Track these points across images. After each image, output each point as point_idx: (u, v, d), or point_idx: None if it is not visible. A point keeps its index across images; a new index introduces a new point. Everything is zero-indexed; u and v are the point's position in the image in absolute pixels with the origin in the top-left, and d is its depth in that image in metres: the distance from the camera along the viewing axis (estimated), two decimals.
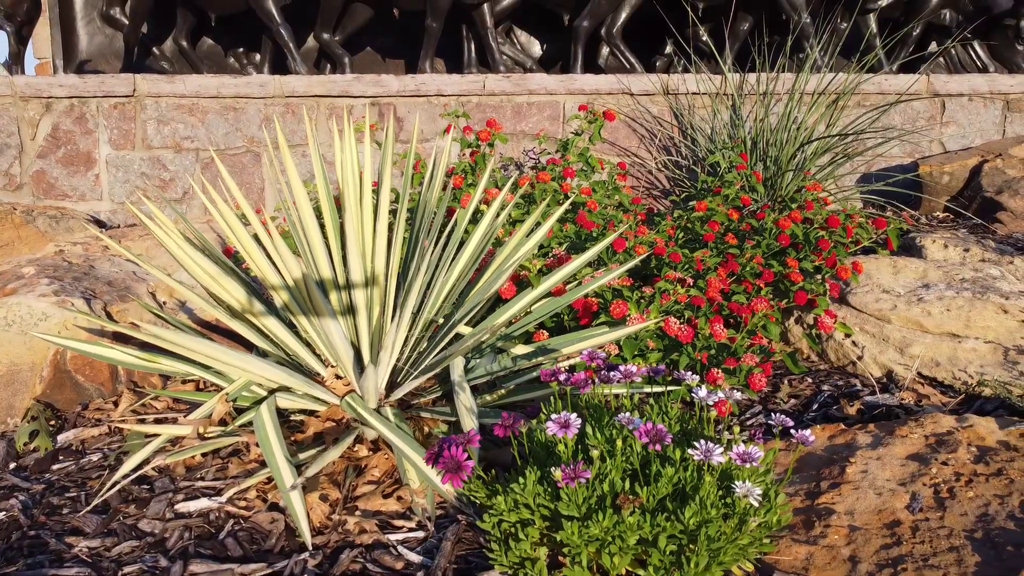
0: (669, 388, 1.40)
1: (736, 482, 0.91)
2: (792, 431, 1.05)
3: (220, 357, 1.38)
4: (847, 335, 1.93)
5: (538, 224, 1.93)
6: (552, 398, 1.16)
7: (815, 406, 1.72)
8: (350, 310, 1.48)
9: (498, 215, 1.78)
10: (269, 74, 5.71)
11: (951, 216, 3.67)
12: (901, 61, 5.68)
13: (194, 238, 1.73)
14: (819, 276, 2.05)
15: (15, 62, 4.10)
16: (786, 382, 1.84)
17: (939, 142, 4.19)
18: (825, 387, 1.80)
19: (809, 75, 3.88)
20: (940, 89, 4.09)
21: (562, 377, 1.09)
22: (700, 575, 0.88)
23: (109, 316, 1.83)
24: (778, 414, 1.14)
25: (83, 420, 1.63)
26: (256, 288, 1.64)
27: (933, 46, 5.66)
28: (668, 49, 5.97)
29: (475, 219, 2.09)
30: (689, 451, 0.92)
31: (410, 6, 5.46)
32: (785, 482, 1.31)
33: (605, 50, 5.73)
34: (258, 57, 6.14)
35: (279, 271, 1.47)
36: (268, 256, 1.49)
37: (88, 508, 1.26)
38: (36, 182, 3.71)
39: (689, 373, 1.15)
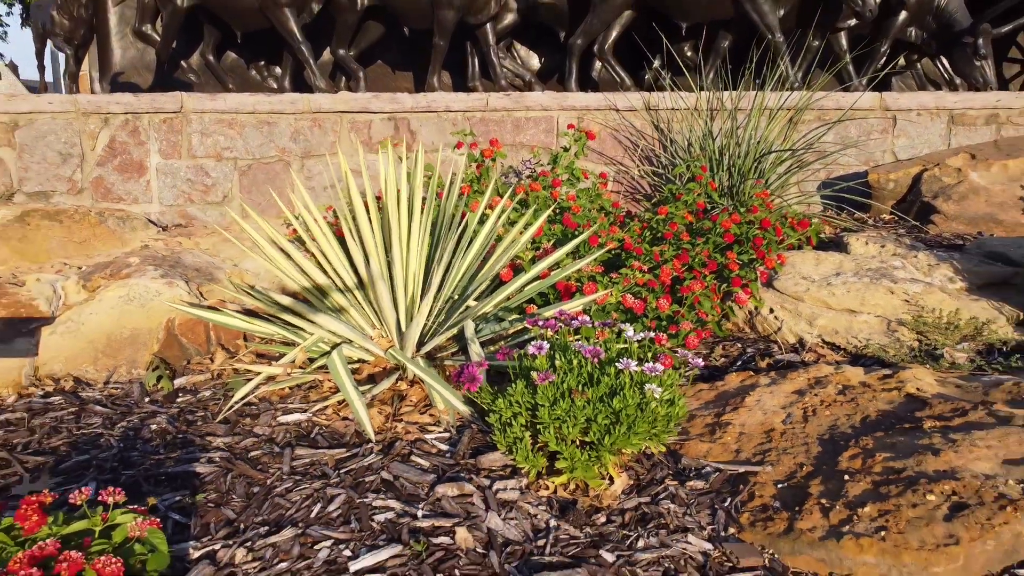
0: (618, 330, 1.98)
1: (647, 384, 1.48)
2: (690, 359, 1.63)
3: (310, 317, 1.97)
4: (771, 310, 2.52)
5: (528, 224, 2.51)
6: (533, 331, 1.74)
7: (739, 362, 2.31)
8: (392, 287, 2.06)
9: (499, 217, 2.36)
10: (290, 86, 6.31)
11: (895, 218, 4.25)
12: (869, 75, 6.28)
13: (269, 238, 2.31)
14: (753, 266, 2.63)
15: (72, 81, 4.69)
16: (721, 346, 2.42)
17: (892, 152, 4.77)
18: (750, 349, 2.39)
19: (770, 93, 4.45)
20: (891, 105, 4.67)
21: (540, 322, 1.67)
22: (621, 439, 1.45)
23: (201, 295, 2.41)
24: (695, 371, 1.72)
25: (190, 370, 2.22)
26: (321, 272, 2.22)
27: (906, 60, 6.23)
28: (656, 63, 6.55)
29: (482, 220, 2.67)
30: (617, 364, 1.50)
31: (419, 25, 6.05)
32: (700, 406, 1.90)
33: (598, 64, 6.33)
34: (278, 69, 6.76)
35: (341, 262, 2.06)
36: (343, 246, 2.07)
37: (217, 420, 1.85)
38: (95, 187, 4.30)
39: (628, 325, 1.72)
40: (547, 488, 1.53)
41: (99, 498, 1.23)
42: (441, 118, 4.45)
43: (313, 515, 1.44)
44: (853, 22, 5.80)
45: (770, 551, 1.40)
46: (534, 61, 6.92)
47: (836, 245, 3.15)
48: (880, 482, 1.51)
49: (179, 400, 2.03)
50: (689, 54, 6.57)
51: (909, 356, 2.25)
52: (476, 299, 2.25)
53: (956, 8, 6.20)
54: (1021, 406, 1.80)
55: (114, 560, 1.10)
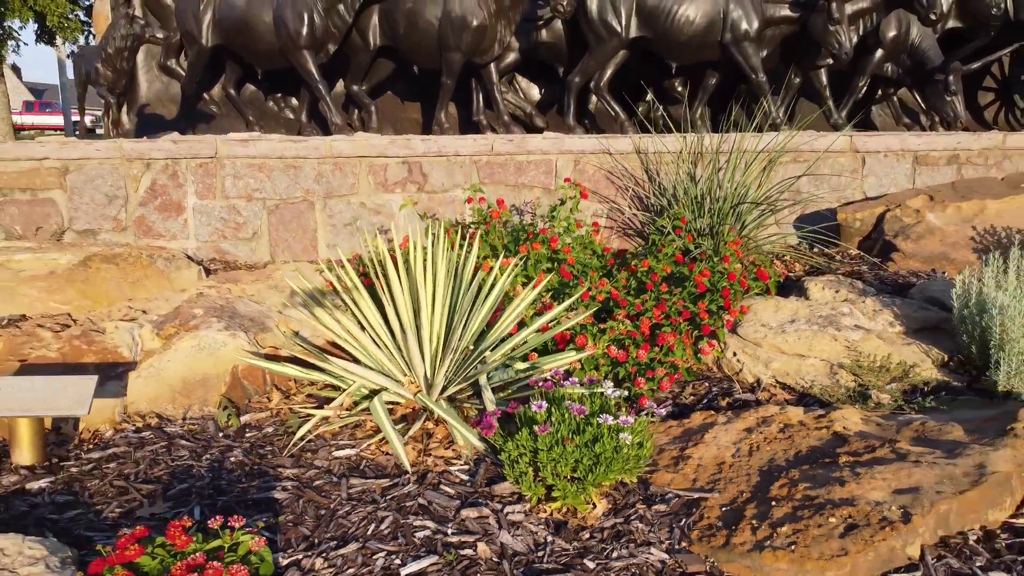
0: (600, 390, 2.48)
1: (621, 433, 1.97)
2: (655, 410, 2.12)
3: (354, 371, 2.46)
4: (734, 353, 3.01)
5: (530, 285, 3.00)
6: (535, 391, 2.24)
7: (705, 399, 2.80)
8: (419, 343, 2.56)
9: (507, 279, 2.85)
10: (307, 119, 6.80)
11: (860, 254, 4.74)
12: (847, 108, 6.79)
13: (308, 292, 2.80)
14: (720, 314, 3.13)
15: (115, 127, 5.18)
16: (692, 385, 2.92)
17: (861, 190, 5.27)
18: (715, 388, 2.88)
19: (749, 137, 4.94)
20: (860, 147, 5.17)
21: (541, 384, 2.16)
22: (601, 475, 1.94)
23: (257, 343, 2.91)
24: (670, 405, 2.21)
25: (252, 408, 2.72)
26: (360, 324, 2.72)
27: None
28: (649, 96, 7.05)
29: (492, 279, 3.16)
30: (598, 419, 1.99)
31: (428, 65, 6.55)
32: (667, 442, 2.39)
33: (594, 99, 6.82)
34: (294, 100, 7.26)
35: (377, 320, 2.55)
36: (373, 296, 2.57)
37: (284, 454, 2.35)
38: (137, 225, 4.80)
39: (609, 383, 2.21)
40: (545, 511, 2.03)
41: (209, 524, 1.72)
42: (450, 161, 4.94)
43: (369, 532, 1.94)
44: (831, 61, 6.27)
45: (711, 560, 1.90)
46: (535, 92, 7.42)
47: (798, 289, 3.64)
48: (798, 507, 2.01)
49: (247, 435, 2.52)
50: (680, 89, 7.08)
51: (845, 396, 2.74)
52: (488, 348, 2.75)
53: (929, 47, 6.71)
54: (919, 444, 2.29)
55: (241, 567, 1.59)
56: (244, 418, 2.64)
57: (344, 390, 2.55)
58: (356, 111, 6.98)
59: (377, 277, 3.02)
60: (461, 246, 3.51)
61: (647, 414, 2.21)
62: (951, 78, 6.57)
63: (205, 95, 7.15)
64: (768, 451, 2.33)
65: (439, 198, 4.95)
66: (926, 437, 2.36)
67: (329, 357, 2.77)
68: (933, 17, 5.93)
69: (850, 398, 2.73)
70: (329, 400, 2.58)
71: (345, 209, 4.89)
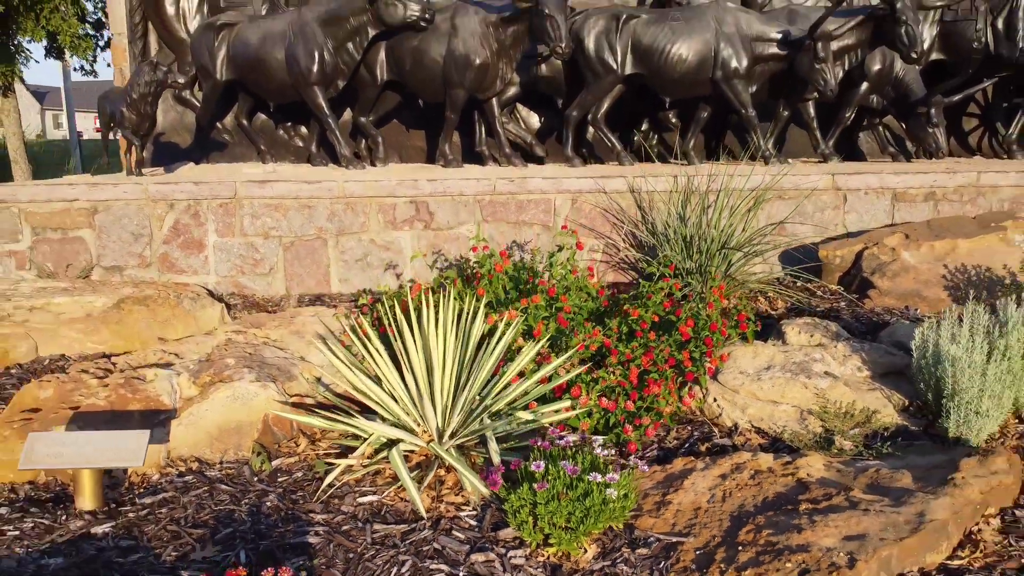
0: (593, 440, 2.81)
1: (608, 488, 2.30)
2: (639, 466, 2.45)
3: (374, 427, 2.79)
4: (714, 399, 3.34)
5: (525, 328, 3.33)
6: (534, 450, 2.57)
7: (688, 443, 3.14)
8: (432, 398, 2.89)
9: (509, 334, 3.18)
10: (316, 149, 7.12)
11: (840, 290, 5.07)
12: (834, 138, 7.12)
13: (336, 352, 3.13)
14: (703, 361, 3.46)
15: (139, 167, 5.51)
16: (676, 429, 3.25)
17: (843, 225, 5.60)
18: (696, 433, 3.22)
19: (737, 178, 5.27)
20: (842, 185, 5.50)
21: (539, 442, 2.50)
22: (591, 524, 2.28)
23: (285, 391, 3.24)
24: (655, 449, 2.54)
25: (281, 453, 3.05)
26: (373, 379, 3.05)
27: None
28: (644, 126, 7.39)
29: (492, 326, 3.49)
30: (588, 476, 2.32)
31: (433, 100, 6.89)
32: (650, 488, 2.73)
33: (591, 130, 7.15)
34: (303, 128, 7.59)
35: (395, 377, 2.88)
36: (386, 344, 2.90)
37: (314, 500, 2.68)
38: (161, 262, 5.13)
39: (600, 439, 2.54)
40: (543, 555, 2.36)
41: (263, 574, 2.05)
42: (455, 200, 5.27)
43: (392, 574, 2.27)
44: (817, 95, 6.58)
45: None
46: (534, 120, 7.75)
47: (777, 332, 3.97)
48: (760, 552, 2.34)
49: (279, 480, 2.86)
50: (674, 120, 7.42)
51: (812, 442, 3.08)
52: (493, 398, 3.08)
53: (912, 80, 7.04)
54: (871, 491, 2.63)
55: None
56: (275, 462, 2.97)
57: (365, 439, 2.88)
58: (364, 140, 7.32)
59: (390, 325, 3.36)
60: (469, 290, 3.84)
61: (631, 467, 2.54)
62: (933, 111, 6.89)
63: (219, 124, 7.50)
64: (739, 497, 2.67)
65: (444, 235, 5.28)
66: (879, 484, 2.69)
67: (350, 409, 3.10)
68: (914, 56, 6.26)
69: (816, 444, 3.07)
70: (351, 449, 2.92)
71: (356, 246, 5.22)
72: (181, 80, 5.38)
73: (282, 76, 6.59)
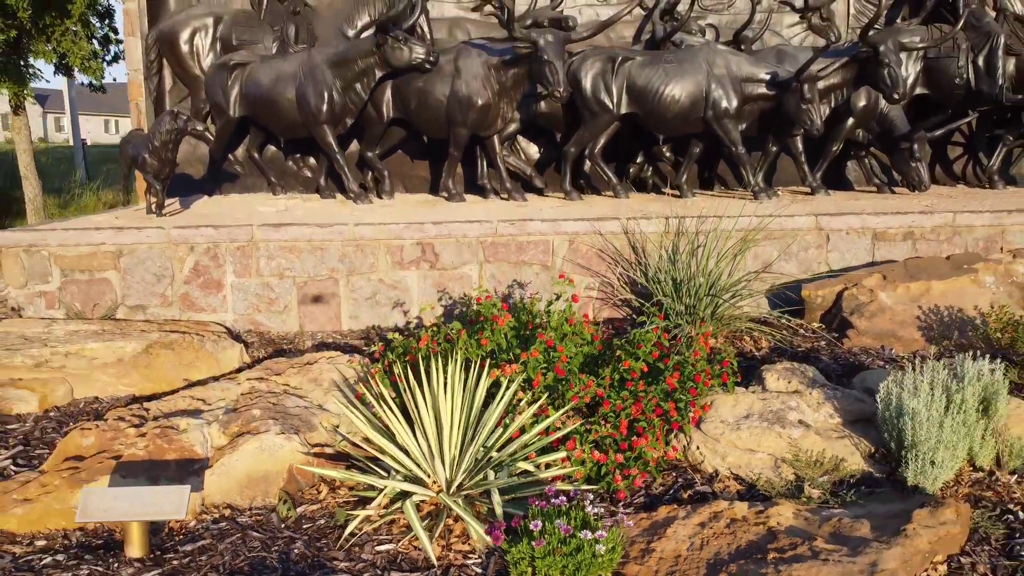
0: (585, 496, 3.15)
1: (598, 544, 2.65)
2: (624, 521, 2.79)
3: (387, 483, 3.13)
4: (697, 447, 3.68)
5: (525, 379, 3.66)
6: (532, 508, 2.91)
7: (672, 489, 3.48)
8: (441, 454, 3.23)
9: (511, 392, 3.52)
10: (324, 183, 7.45)
11: (821, 327, 5.41)
12: (821, 171, 7.46)
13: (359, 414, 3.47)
14: (687, 411, 3.80)
15: (159, 209, 5.84)
16: (662, 476, 3.59)
17: (826, 263, 5.93)
18: (680, 480, 3.56)
19: (725, 220, 5.60)
20: (824, 225, 5.83)
21: (536, 503, 2.84)
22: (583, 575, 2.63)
23: (307, 441, 3.58)
24: (643, 496, 2.88)
25: (304, 500, 3.39)
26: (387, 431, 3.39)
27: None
28: (640, 159, 7.73)
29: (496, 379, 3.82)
30: (580, 534, 2.66)
31: (437, 136, 7.23)
32: (637, 536, 3.07)
33: (588, 163, 7.48)
34: (312, 159, 7.92)
35: (408, 435, 3.22)
36: (397, 393, 3.24)
37: (337, 548, 3.02)
38: (182, 301, 5.47)
39: (589, 495, 2.88)
40: None
41: None
42: (459, 242, 5.61)
43: None
44: (804, 131, 6.90)
45: None
46: (533, 150, 8.11)
47: (758, 378, 4.30)
48: None
49: (304, 527, 3.20)
50: (667, 154, 7.76)
51: (784, 490, 3.42)
52: (495, 449, 3.42)
53: (896, 116, 7.39)
54: (833, 540, 2.97)
55: None
56: (299, 509, 3.31)
57: (380, 489, 3.22)
58: (370, 173, 7.66)
59: (400, 376, 3.70)
60: (473, 342, 4.18)
61: (619, 520, 2.89)
62: (915, 146, 7.25)
63: (230, 156, 7.83)
64: (715, 545, 3.01)
65: (449, 274, 5.62)
66: (840, 533, 3.03)
67: (366, 458, 3.44)
68: (896, 96, 6.60)
69: (788, 492, 3.41)
70: (369, 499, 3.26)
71: (366, 285, 5.56)
72: (200, 128, 5.71)
73: (293, 114, 6.94)
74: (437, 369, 3.38)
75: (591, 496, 2.88)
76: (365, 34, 7.64)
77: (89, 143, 26.63)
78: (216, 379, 4.64)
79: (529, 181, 7.69)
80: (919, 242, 5.95)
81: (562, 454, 3.41)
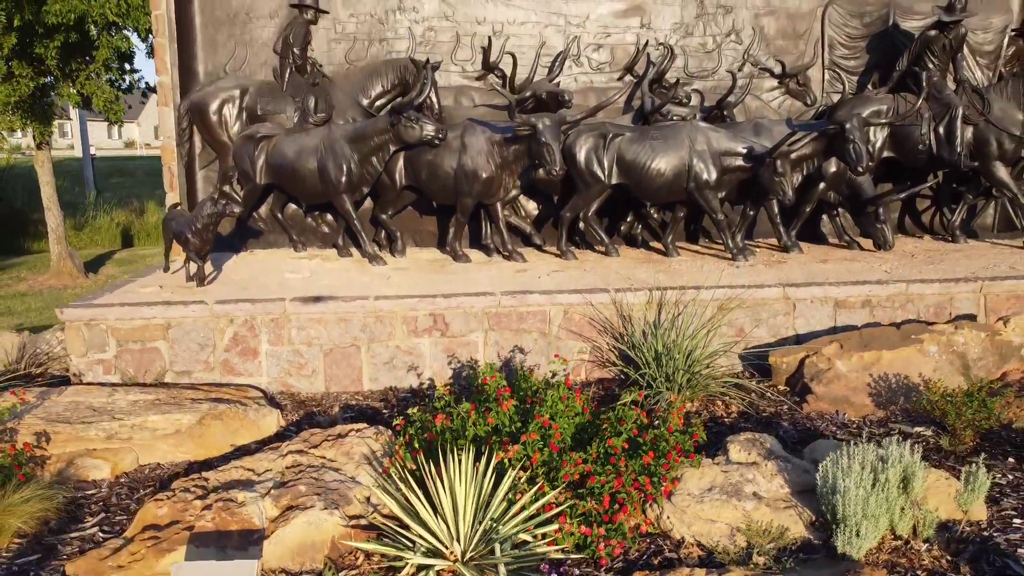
0: (574, 559, 3.95)
1: None
2: None
3: (411, 557, 3.93)
4: (668, 516, 4.48)
5: (525, 457, 4.46)
6: None
7: (646, 556, 4.28)
8: (456, 531, 4.03)
9: (514, 473, 4.32)
10: (342, 243, 8.22)
11: (787, 390, 6.21)
12: (796, 230, 8.24)
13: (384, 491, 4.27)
14: (660, 485, 4.59)
15: (200, 281, 6.63)
16: (638, 542, 4.39)
17: (793, 328, 6.72)
18: (652, 546, 4.36)
19: (704, 292, 6.40)
20: (791, 296, 6.62)
21: None
22: None
23: (345, 514, 4.37)
24: (621, 562, 3.68)
25: (345, 566, 4.19)
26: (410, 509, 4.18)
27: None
28: (630, 218, 8.53)
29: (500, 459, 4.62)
30: None
31: (444, 202, 8.02)
32: None
33: (582, 223, 8.28)
34: (329, 217, 8.71)
35: (429, 513, 4.02)
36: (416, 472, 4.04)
37: None
38: (222, 366, 6.27)
39: (576, 571, 3.66)
40: None
41: None
42: (467, 312, 6.40)
43: None
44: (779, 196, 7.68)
45: None
46: (531, 205, 8.89)
47: (723, 449, 5.09)
48: None
49: None
50: (655, 215, 8.54)
51: (737, 557, 4.22)
52: (503, 524, 4.22)
53: (864, 181, 8.18)
54: None
55: None
56: (341, 574, 4.11)
57: (408, 559, 4.02)
58: (383, 232, 8.45)
59: (419, 449, 4.49)
60: (480, 419, 4.96)
61: None
62: (880, 209, 8.04)
63: (255, 214, 8.62)
64: None
65: (457, 341, 6.41)
66: None
67: (395, 532, 4.24)
68: (860, 170, 7.40)
69: (740, 559, 4.21)
70: (398, 569, 4.06)
71: (384, 351, 6.36)
72: (237, 210, 6.49)
73: (314, 184, 7.72)
74: (453, 461, 4.18)
75: (577, 572, 3.68)
76: (378, 103, 8.44)
77: (95, 152, 27.37)
78: (258, 443, 5.46)
79: (529, 238, 8.49)
80: (876, 309, 6.75)
81: (555, 526, 4.21)
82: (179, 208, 7.09)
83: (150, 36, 12.75)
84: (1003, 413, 5.54)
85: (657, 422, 5.21)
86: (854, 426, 5.65)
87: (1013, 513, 4.49)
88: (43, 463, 4.99)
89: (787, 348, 6.42)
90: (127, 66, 13.07)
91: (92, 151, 23.81)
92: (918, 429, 5.51)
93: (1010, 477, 4.86)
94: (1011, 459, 5.07)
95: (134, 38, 12.24)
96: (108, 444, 5.17)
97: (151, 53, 13.88)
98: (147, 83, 14.94)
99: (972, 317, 6.80)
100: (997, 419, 5.42)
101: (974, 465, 4.38)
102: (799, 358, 6.28)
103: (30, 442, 5.00)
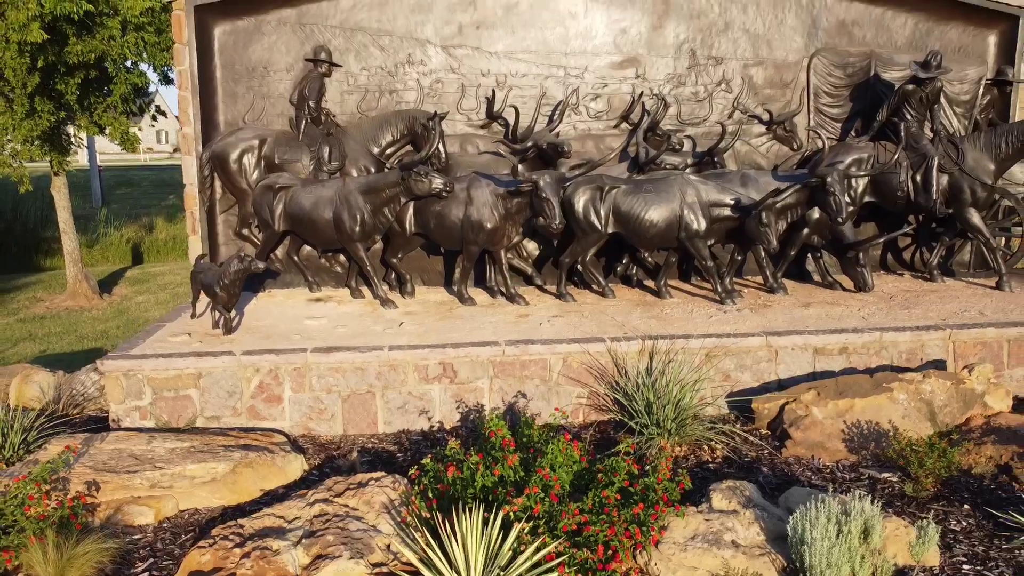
0: None
1: None
2: None
3: None
4: (655, 564, 5.07)
5: (527, 508, 5.05)
6: None
7: None
8: None
9: (518, 532, 4.91)
10: (355, 284, 8.80)
11: (769, 432, 6.79)
12: (782, 271, 8.82)
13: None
14: (648, 534, 5.18)
15: (227, 331, 7.21)
16: None
17: (775, 374, 7.31)
18: None
19: (693, 341, 6.98)
20: (774, 344, 7.21)
21: None
22: None
23: (370, 563, 4.96)
24: None
25: None
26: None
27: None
28: (625, 260, 9.11)
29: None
30: None
31: (451, 248, 8.59)
32: None
33: (580, 267, 8.85)
34: (342, 258, 9.28)
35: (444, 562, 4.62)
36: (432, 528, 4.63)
37: None
38: (249, 412, 6.86)
39: None
40: None
41: None
42: (473, 361, 6.99)
43: None
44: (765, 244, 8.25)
45: None
46: (532, 245, 9.46)
47: (707, 497, 5.67)
48: None
49: None
50: (649, 259, 9.12)
51: None
52: (510, 574, 4.80)
53: (846, 226, 8.75)
54: None
55: None
56: None
57: None
58: (393, 274, 9.03)
59: (435, 497, 5.07)
60: (488, 472, 5.54)
61: None
62: (860, 254, 8.63)
63: (272, 255, 9.20)
64: None
65: (465, 387, 7.00)
66: None
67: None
68: (839, 221, 7.98)
69: None
70: None
71: (397, 397, 6.94)
72: (262, 266, 7.06)
73: (329, 232, 8.30)
74: (464, 516, 4.76)
75: None
76: (389, 151, 9.02)
77: (100, 162, 27.93)
78: (285, 487, 6.04)
79: (530, 279, 9.07)
80: (852, 355, 7.33)
81: (556, 575, 4.80)
82: (206, 260, 7.66)
83: (165, 69, 13.33)
84: (962, 460, 6.14)
85: (648, 468, 5.80)
86: (828, 471, 6.24)
87: (964, 560, 5.07)
88: (93, 510, 5.57)
89: (769, 395, 7.01)
90: (145, 99, 13.64)
91: (101, 169, 24.45)
92: (885, 475, 6.09)
93: (964, 524, 5.44)
94: (966, 505, 5.66)
95: (150, 72, 12.79)
96: (151, 492, 5.75)
97: (165, 80, 14.46)
98: (157, 107, 15.53)
99: (942, 362, 7.39)
100: (956, 467, 6.02)
101: (925, 521, 4.97)
102: (779, 404, 6.86)
103: (82, 491, 5.58)
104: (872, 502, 5.09)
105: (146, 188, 27.35)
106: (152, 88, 14.17)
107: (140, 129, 16.76)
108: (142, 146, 55.48)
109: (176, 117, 9.52)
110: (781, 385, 7.24)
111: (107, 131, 13.11)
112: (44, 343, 12.45)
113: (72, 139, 13.46)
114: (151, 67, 12.72)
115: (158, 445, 6.26)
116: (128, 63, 12.28)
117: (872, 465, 6.27)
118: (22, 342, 12.49)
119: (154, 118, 16.14)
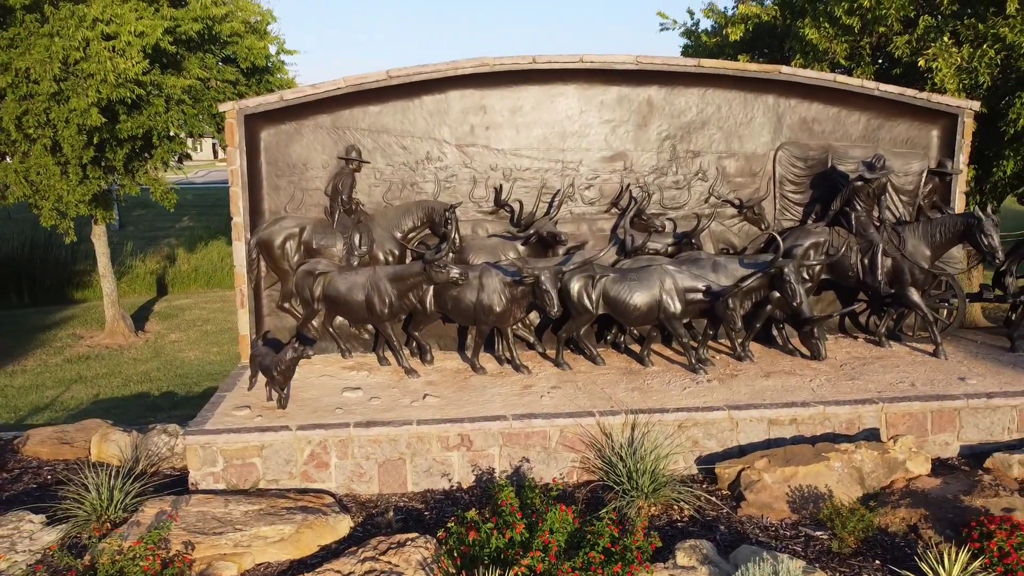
0: None
1: None
2: None
3: None
4: None
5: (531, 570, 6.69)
6: None
7: None
8: None
9: None
10: (381, 352, 10.41)
11: (728, 493, 8.43)
12: (749, 341, 10.45)
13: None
14: None
15: (281, 405, 8.84)
16: None
17: (736, 441, 8.94)
18: None
19: (669, 415, 8.61)
20: (735, 416, 8.84)
21: None
22: None
23: None
24: None
25: None
26: None
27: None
28: (615, 330, 10.74)
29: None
30: None
31: (465, 324, 10.19)
32: None
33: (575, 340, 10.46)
34: (369, 327, 10.89)
35: None
36: None
37: None
38: (302, 476, 8.50)
39: None
40: None
41: None
42: (486, 432, 8.61)
43: None
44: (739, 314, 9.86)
45: None
46: (533, 315, 11.07)
47: (671, 553, 7.29)
48: None
49: None
50: (636, 331, 10.74)
51: None
52: None
53: (804, 304, 10.34)
54: None
55: None
56: None
57: None
58: (414, 342, 10.66)
59: (460, 563, 6.71)
60: (500, 535, 7.17)
61: None
62: (815, 328, 10.25)
63: (309, 325, 10.81)
64: None
65: (479, 454, 8.63)
66: None
67: None
68: (795, 304, 9.59)
69: None
70: None
71: (423, 462, 8.58)
72: (311, 354, 8.66)
73: (362, 312, 9.91)
74: None
75: None
76: (410, 236, 10.62)
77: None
78: (337, 543, 7.67)
79: (533, 346, 10.70)
80: (801, 425, 8.96)
81: None
82: (262, 345, 9.27)
83: (202, 137, 14.88)
84: (880, 521, 7.78)
85: (628, 526, 7.43)
86: (773, 530, 7.87)
87: None
88: (191, 565, 7.20)
89: (730, 461, 8.63)
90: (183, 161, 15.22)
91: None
92: (819, 533, 7.73)
93: None
94: (877, 561, 7.29)
95: (189, 140, 14.38)
96: (235, 550, 7.38)
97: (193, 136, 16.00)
98: (186, 152, 17.11)
99: (876, 431, 9.02)
100: (874, 527, 7.65)
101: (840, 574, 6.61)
102: (737, 470, 8.49)
103: (181, 550, 7.22)
104: (805, 556, 6.72)
105: (160, 210, 28.85)
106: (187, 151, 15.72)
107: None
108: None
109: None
110: (742, 451, 8.86)
111: (150, 190, 14.66)
112: (95, 386, 14.03)
113: (117, 197, 15.01)
114: (189, 136, 14.28)
115: (234, 508, 7.89)
116: (171, 133, 13.84)
117: (809, 524, 7.90)
118: (74, 384, 14.10)
119: (180, 161, 17.72)
